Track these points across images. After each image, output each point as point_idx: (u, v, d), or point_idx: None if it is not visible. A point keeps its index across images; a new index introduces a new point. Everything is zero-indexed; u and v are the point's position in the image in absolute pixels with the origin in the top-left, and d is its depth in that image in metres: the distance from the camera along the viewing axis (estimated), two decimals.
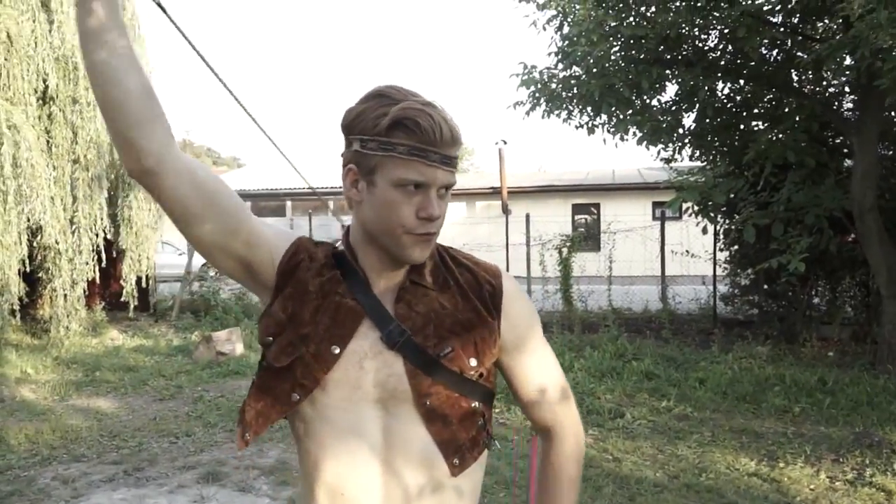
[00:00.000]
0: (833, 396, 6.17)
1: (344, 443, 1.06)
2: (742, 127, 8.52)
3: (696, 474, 4.30)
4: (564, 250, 9.60)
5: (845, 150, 8.43)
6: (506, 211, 16.98)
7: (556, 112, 7.82)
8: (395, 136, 1.03)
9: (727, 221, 9.24)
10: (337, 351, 1.07)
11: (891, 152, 8.64)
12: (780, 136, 8.02)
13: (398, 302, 1.09)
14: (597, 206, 19.06)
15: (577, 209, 19.56)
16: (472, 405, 1.10)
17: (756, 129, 8.54)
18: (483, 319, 1.11)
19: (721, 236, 9.86)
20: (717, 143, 8.77)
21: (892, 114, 8.02)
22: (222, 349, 8.06)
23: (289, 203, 23.98)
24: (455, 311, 1.10)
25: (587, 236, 15.24)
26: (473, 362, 1.09)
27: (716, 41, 7.98)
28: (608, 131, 8.15)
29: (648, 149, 8.37)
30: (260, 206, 24.69)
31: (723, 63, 7.96)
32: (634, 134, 8.25)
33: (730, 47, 7.83)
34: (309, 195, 23.14)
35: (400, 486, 1.05)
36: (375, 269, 1.11)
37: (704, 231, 8.94)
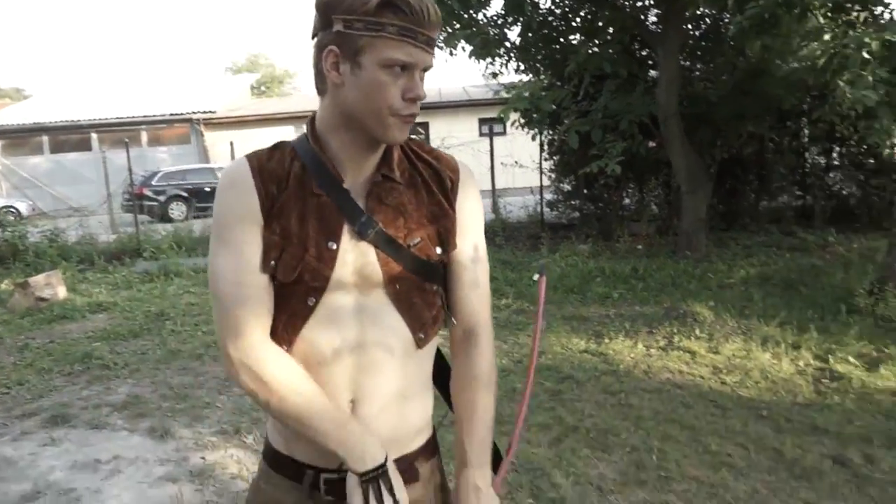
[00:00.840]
0: (644, 282, 7.02)
1: (321, 319, 1.12)
2: (563, 40, 9.00)
3: (538, 355, 4.77)
4: None
5: (651, 62, 9.24)
6: None
7: None
8: (385, 16, 1.03)
9: (551, 132, 9.84)
10: (334, 247, 1.11)
11: (688, 62, 9.58)
12: (597, 48, 8.60)
13: (369, 196, 1.14)
14: (425, 125, 19.30)
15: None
16: (435, 288, 1.19)
17: (575, 41, 9.08)
18: (446, 212, 1.19)
19: (546, 147, 10.50)
20: (540, 57, 9.21)
21: (692, 27, 8.86)
22: (42, 294, 7.39)
23: (94, 135, 21.79)
24: (421, 205, 1.17)
25: None
26: (439, 251, 1.18)
27: None
28: (438, 46, 8.27)
29: (478, 62, 8.62)
30: (59, 140, 22.20)
31: None
32: (464, 49, 8.46)
33: None
34: (118, 126, 21.16)
35: (371, 355, 1.14)
36: (345, 160, 1.13)
37: (534, 138, 9.49)
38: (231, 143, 11.50)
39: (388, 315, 1.14)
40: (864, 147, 9.84)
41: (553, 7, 8.74)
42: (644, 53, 9.33)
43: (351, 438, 1.09)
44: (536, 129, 9.27)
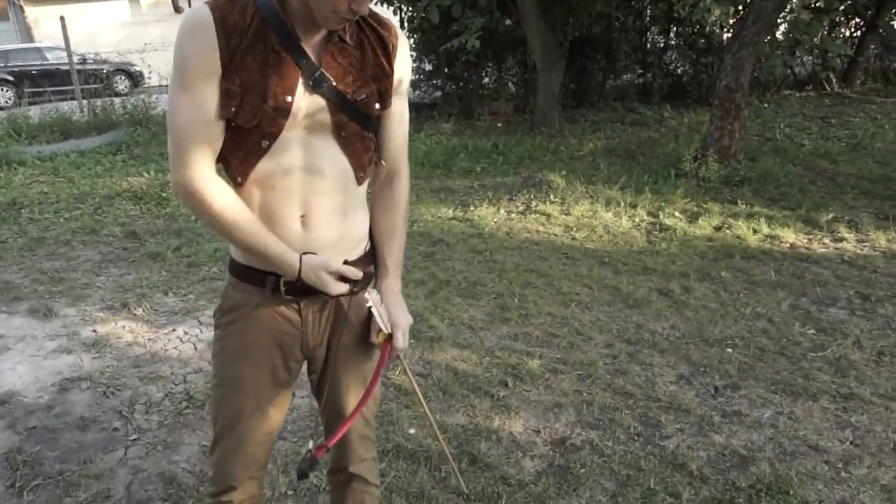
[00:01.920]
0: (504, 156, 7.50)
1: (274, 154, 1.31)
2: None
3: (409, 224, 5.13)
4: None
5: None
6: (178, 8, 15.42)
7: None
8: None
9: (411, 9, 9.78)
10: (289, 100, 1.27)
11: None
12: None
13: (324, 54, 1.30)
14: None
15: None
16: (371, 135, 1.41)
17: None
18: (386, 73, 1.37)
19: (406, 24, 10.43)
20: None
21: None
22: None
23: None
24: (367, 66, 1.35)
25: None
26: (378, 107, 1.38)
27: None
28: None
29: None
30: None
31: None
32: None
33: None
34: None
35: (318, 180, 1.35)
36: (302, 20, 1.25)
37: (395, 13, 9.41)
38: (62, 19, 10.37)
39: (334, 153, 1.36)
40: (697, 27, 10.70)
41: None
42: None
43: (278, 249, 1.33)
44: (396, 5, 9.20)
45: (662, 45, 11.28)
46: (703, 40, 10.98)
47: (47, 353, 3.32)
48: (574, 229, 5.05)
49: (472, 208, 5.53)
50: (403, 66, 1.42)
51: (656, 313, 3.66)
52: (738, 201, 5.56)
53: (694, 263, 4.34)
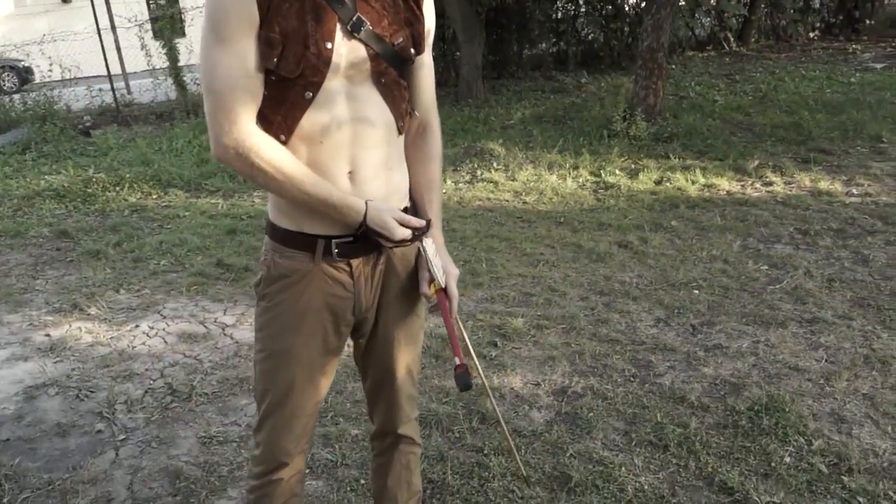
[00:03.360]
0: None
1: (318, 106, 1.26)
2: None
3: None
4: (167, 32, 8.91)
5: None
6: None
7: None
8: None
9: None
10: (329, 46, 1.22)
11: None
12: None
13: (360, 0, 1.26)
14: None
15: None
16: (405, 83, 1.36)
17: None
18: (419, 17, 1.34)
19: None
20: None
21: None
22: None
23: None
24: (399, 10, 1.31)
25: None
26: (413, 52, 1.34)
27: None
28: None
29: None
30: None
31: None
32: None
33: None
34: None
35: (363, 132, 1.30)
36: None
37: None
38: None
39: (377, 102, 1.32)
40: None
41: None
42: None
43: (341, 196, 1.28)
44: None
45: (573, 13, 11.52)
46: (610, 6, 11.29)
47: (1, 361, 3.08)
48: (523, 194, 5.12)
49: None
50: (430, 12, 1.40)
51: (621, 265, 3.78)
52: (671, 155, 5.79)
53: (645, 216, 4.50)
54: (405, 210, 1.46)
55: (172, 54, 8.91)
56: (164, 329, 3.32)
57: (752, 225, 4.22)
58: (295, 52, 1.21)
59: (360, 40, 1.27)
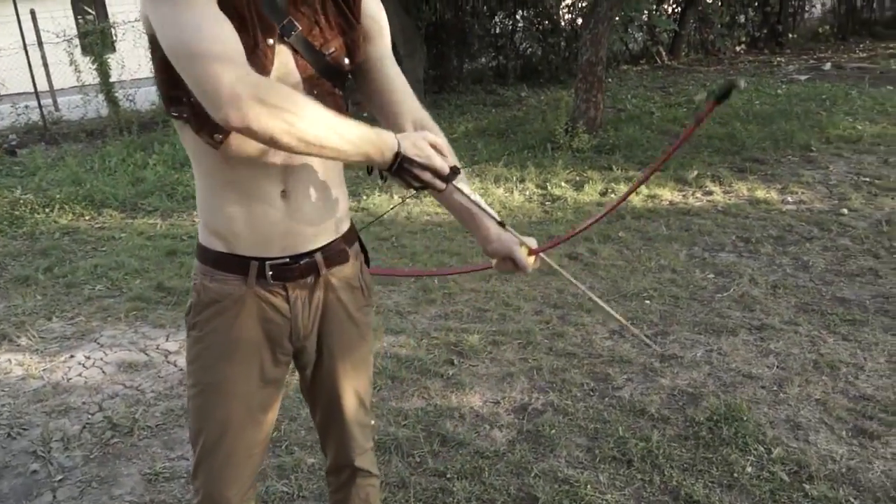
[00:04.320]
0: None
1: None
2: None
3: None
4: (97, 48, 8.57)
5: None
6: None
7: None
8: None
9: None
10: (271, 42, 1.14)
11: None
12: None
13: (290, 4, 1.18)
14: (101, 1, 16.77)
15: (77, 8, 16.91)
16: (340, 93, 1.28)
17: None
18: (352, 25, 1.26)
19: None
20: None
21: None
22: None
23: None
24: (331, 18, 1.23)
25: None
26: (347, 61, 1.26)
27: None
28: None
29: None
30: None
31: None
32: None
33: None
34: None
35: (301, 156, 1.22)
36: None
37: None
38: None
39: None
40: (540, 9, 11.19)
41: None
42: None
43: (373, 129, 1.12)
44: None
45: (511, 28, 11.67)
46: (547, 21, 11.49)
47: None
48: None
49: (364, 197, 5.43)
50: (374, 9, 1.30)
51: (573, 277, 3.78)
52: (614, 167, 5.88)
53: (592, 228, 4.54)
54: (346, 234, 1.39)
55: (103, 70, 8.58)
56: (101, 358, 3.14)
57: (697, 234, 4.31)
58: (246, 42, 1.10)
59: (290, 46, 1.19)
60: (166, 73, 1.14)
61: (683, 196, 5.12)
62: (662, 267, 3.84)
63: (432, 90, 10.29)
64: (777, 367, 2.76)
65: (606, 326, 3.19)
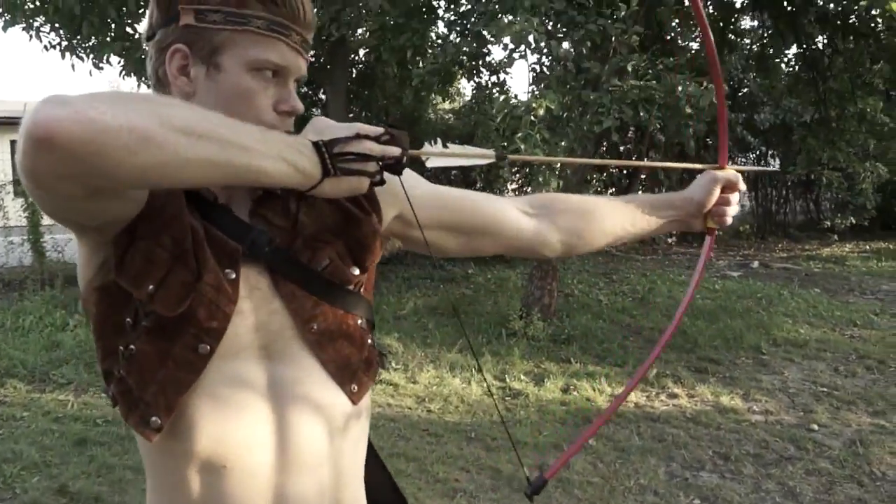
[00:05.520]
0: None
1: (217, 382, 0.84)
2: None
3: None
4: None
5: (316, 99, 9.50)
6: None
7: (20, 25, 6.51)
8: (250, 5, 0.83)
9: None
10: (233, 276, 0.84)
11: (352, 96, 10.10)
12: None
13: (253, 218, 0.89)
14: None
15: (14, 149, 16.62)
16: (359, 322, 0.97)
17: None
18: (352, 218, 0.95)
19: None
20: None
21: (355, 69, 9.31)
22: None
23: None
24: (320, 217, 0.93)
25: None
26: (356, 271, 0.95)
27: None
28: (79, 56, 7.28)
29: (131, 77, 7.76)
30: None
31: None
32: (111, 62, 7.55)
33: None
34: None
35: (297, 440, 0.88)
36: None
37: None
38: None
39: (308, 372, 0.91)
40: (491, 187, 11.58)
41: None
42: (311, 90, 9.56)
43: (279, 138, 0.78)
44: None
45: None
46: None
47: None
48: (426, 400, 4.73)
49: None
50: (401, 182, 0.97)
51: (546, 496, 3.39)
52: (572, 360, 5.69)
53: (560, 432, 4.22)
54: None
55: (35, 219, 8.12)
56: None
57: (671, 446, 4.04)
58: (184, 279, 0.81)
59: (264, 268, 0.88)
60: (100, 340, 0.86)
61: (648, 398, 4.91)
62: (643, 487, 3.50)
63: (380, 262, 10.18)
64: None
65: None
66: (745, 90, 10.10)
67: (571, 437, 4.12)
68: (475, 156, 1.03)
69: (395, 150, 0.83)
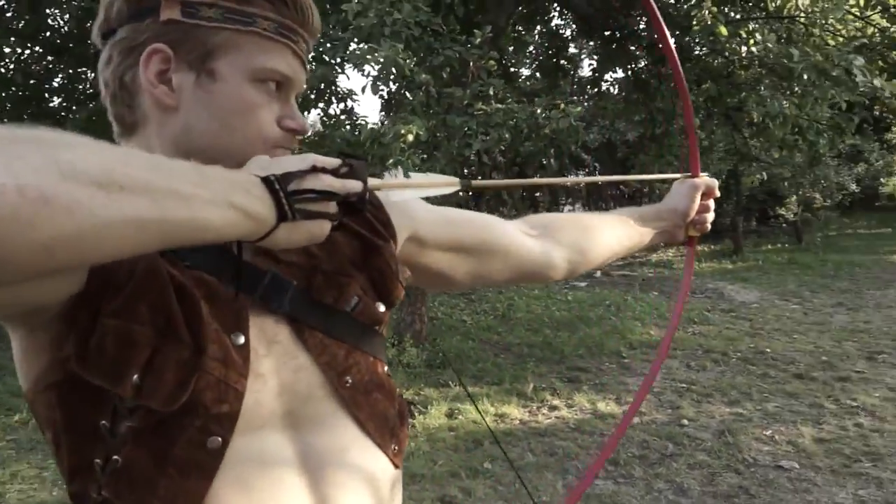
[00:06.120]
0: None
1: (232, 479, 0.67)
2: (41, 103, 7.83)
3: None
4: None
5: None
6: None
7: None
8: (256, 3, 0.69)
9: None
10: (241, 340, 0.67)
11: None
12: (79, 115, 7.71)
13: (258, 256, 0.72)
14: None
15: None
16: (386, 368, 0.82)
17: (53, 104, 8.01)
18: (371, 246, 0.81)
19: None
20: (9, 120, 7.78)
21: None
22: None
23: None
24: (337, 248, 0.78)
25: None
26: (382, 308, 0.80)
27: None
28: None
29: None
30: None
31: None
32: None
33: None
34: None
35: None
36: None
37: None
38: None
39: (345, 436, 0.76)
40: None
41: (31, 62, 7.56)
42: None
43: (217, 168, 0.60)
44: None
45: None
46: None
47: None
48: None
49: None
50: (415, 208, 0.94)
51: None
52: (451, 383, 5.67)
53: (455, 460, 4.15)
54: None
55: None
56: None
57: (563, 459, 4.12)
58: (180, 357, 0.65)
59: (283, 319, 0.74)
60: (65, 455, 0.68)
61: (530, 413, 5.00)
62: None
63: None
64: None
65: None
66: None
67: (466, 462, 4.08)
68: (440, 185, 0.95)
69: (356, 185, 0.69)
